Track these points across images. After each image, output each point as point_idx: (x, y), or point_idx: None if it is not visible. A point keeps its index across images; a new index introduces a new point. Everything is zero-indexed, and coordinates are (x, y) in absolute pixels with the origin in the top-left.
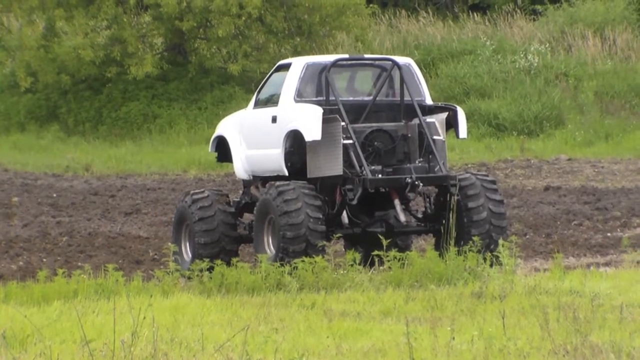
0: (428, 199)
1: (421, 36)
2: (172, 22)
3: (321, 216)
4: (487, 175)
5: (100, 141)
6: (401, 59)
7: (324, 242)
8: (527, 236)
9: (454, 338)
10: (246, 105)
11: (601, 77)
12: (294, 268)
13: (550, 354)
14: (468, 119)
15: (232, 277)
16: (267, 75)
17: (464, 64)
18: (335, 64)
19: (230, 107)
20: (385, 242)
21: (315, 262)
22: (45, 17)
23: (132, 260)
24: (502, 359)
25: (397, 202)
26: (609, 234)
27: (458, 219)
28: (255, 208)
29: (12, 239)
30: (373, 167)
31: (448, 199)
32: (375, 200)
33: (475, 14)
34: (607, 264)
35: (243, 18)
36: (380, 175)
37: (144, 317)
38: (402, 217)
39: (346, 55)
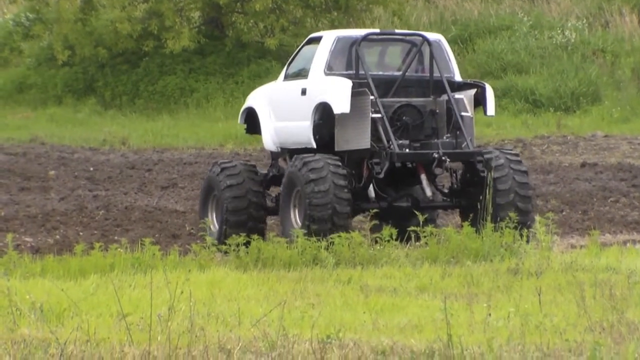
0: (455, 174)
1: (458, 11)
2: None
3: (346, 184)
4: (511, 150)
5: (137, 115)
6: (431, 35)
7: (350, 219)
8: (564, 213)
9: (490, 314)
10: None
11: (638, 54)
12: (330, 243)
13: (586, 330)
14: (505, 94)
15: (269, 251)
16: (298, 48)
17: (501, 39)
18: (365, 38)
19: (267, 82)
20: (421, 218)
21: (352, 237)
22: None
23: (169, 234)
24: (538, 335)
25: (423, 177)
26: None
27: (484, 194)
28: (282, 182)
29: (49, 212)
30: (401, 142)
31: (475, 175)
32: (402, 175)
33: None
34: None
35: None
36: (407, 150)
37: (181, 292)
38: (429, 192)
39: (377, 30)
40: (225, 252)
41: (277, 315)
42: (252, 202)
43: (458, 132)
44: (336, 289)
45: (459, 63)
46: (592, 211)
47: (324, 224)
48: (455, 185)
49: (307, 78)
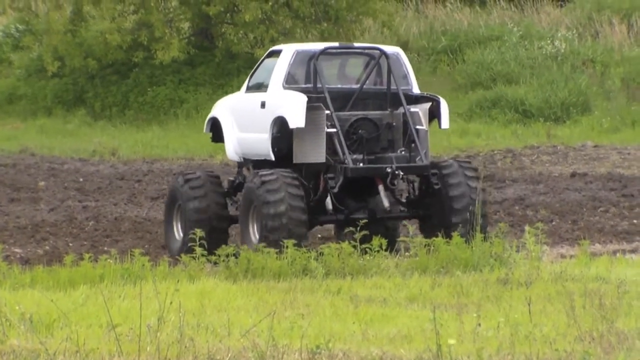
0: (411, 185)
1: (448, 22)
2: (199, 6)
3: (303, 206)
4: (469, 162)
5: (126, 126)
6: (390, 48)
7: (306, 231)
8: (553, 223)
9: (480, 324)
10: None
11: (628, 64)
12: (320, 254)
13: (576, 340)
14: (494, 105)
15: (258, 262)
16: (260, 61)
17: (490, 50)
18: (323, 52)
19: None
20: (411, 229)
21: (342, 247)
22: (73, 2)
23: (159, 245)
24: (528, 345)
25: (381, 188)
26: (635, 221)
27: (440, 205)
28: (241, 195)
29: (39, 223)
30: (355, 156)
31: (430, 186)
32: (361, 186)
33: (502, 0)
34: (633, 251)
35: (270, 3)
36: (361, 164)
37: (170, 302)
38: (386, 203)
39: (336, 44)
40: (215, 263)
41: (266, 326)
42: (215, 213)
43: (413, 145)
44: (326, 299)
45: (448, 73)
46: (582, 221)
47: (279, 234)
48: (412, 196)
49: (266, 91)
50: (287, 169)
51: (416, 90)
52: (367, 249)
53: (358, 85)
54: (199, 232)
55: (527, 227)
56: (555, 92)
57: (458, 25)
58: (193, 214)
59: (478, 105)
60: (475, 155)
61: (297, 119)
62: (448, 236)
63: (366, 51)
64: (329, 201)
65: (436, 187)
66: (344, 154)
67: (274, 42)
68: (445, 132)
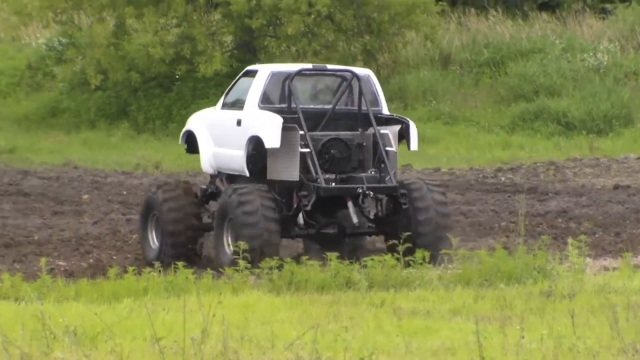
0: (380, 203)
1: (490, 35)
2: (242, 20)
3: (274, 207)
4: (438, 185)
5: (170, 139)
6: (361, 71)
7: (279, 241)
8: (596, 235)
9: (523, 337)
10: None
11: None
12: (363, 266)
13: (619, 352)
14: (537, 117)
15: (302, 274)
16: (236, 79)
17: (533, 62)
18: (298, 73)
19: None
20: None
21: (385, 260)
22: (116, 15)
23: (202, 257)
24: (571, 357)
25: (350, 204)
26: None
27: (407, 224)
28: (216, 209)
29: (83, 236)
30: (327, 176)
31: (398, 205)
32: (332, 202)
33: (544, 13)
34: None
35: (312, 16)
36: (334, 184)
37: (214, 315)
38: (355, 219)
39: (310, 66)
40: (258, 275)
41: (310, 338)
42: (190, 221)
43: (382, 166)
44: (369, 311)
45: (490, 86)
46: (625, 233)
47: (253, 245)
48: (380, 213)
49: (242, 109)
50: (261, 184)
51: (386, 111)
52: (411, 262)
53: (330, 106)
54: (243, 245)
55: (570, 240)
56: (597, 104)
57: (500, 37)
58: (168, 222)
59: (521, 118)
60: (518, 168)
61: (272, 140)
62: (412, 254)
63: (338, 73)
64: (300, 216)
65: (404, 207)
66: (316, 173)
67: (316, 55)
68: (488, 145)
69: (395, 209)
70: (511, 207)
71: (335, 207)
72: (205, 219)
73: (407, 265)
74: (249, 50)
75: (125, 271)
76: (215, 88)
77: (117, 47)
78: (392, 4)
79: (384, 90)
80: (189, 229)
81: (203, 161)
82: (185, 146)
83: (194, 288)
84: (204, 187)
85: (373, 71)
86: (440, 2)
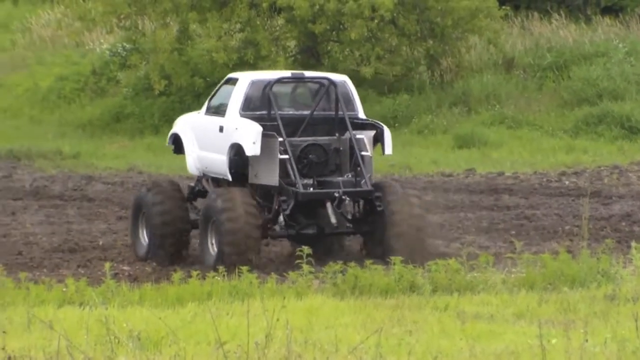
0: (357, 204)
1: (553, 39)
2: (305, 25)
3: (258, 222)
4: (414, 188)
5: None
6: (337, 77)
7: (260, 246)
8: None
9: (587, 340)
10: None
11: None
12: (427, 270)
13: None
14: (600, 121)
15: (366, 279)
16: (218, 86)
17: (596, 66)
18: (277, 81)
19: (364, 110)
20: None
21: (448, 264)
22: (179, 20)
23: (266, 260)
24: None
25: (329, 205)
26: None
27: (382, 224)
28: (201, 212)
29: None
30: (306, 181)
31: (373, 207)
32: (311, 203)
33: (607, 17)
34: None
35: (376, 21)
36: (312, 188)
37: (278, 319)
38: (333, 220)
39: (288, 74)
40: (322, 280)
41: (374, 342)
42: (177, 218)
43: (358, 170)
44: (433, 315)
45: (553, 90)
46: None
47: (235, 247)
48: (358, 214)
49: (224, 116)
50: (243, 187)
51: (362, 115)
52: (475, 265)
53: (308, 112)
54: (306, 250)
55: (633, 243)
56: None
57: (563, 41)
58: (157, 219)
59: (584, 122)
60: (582, 172)
61: (252, 148)
62: (387, 256)
63: (316, 80)
64: (281, 218)
65: (379, 209)
66: (295, 178)
67: (379, 59)
68: (551, 149)
69: (372, 210)
70: (575, 211)
71: (315, 208)
72: (193, 216)
73: (471, 269)
74: (312, 55)
75: (190, 276)
76: None
77: (180, 52)
78: (456, 9)
79: (447, 95)
80: (177, 224)
81: (189, 163)
82: (173, 147)
83: (258, 292)
84: (192, 184)
85: (436, 76)
86: (503, 7)
